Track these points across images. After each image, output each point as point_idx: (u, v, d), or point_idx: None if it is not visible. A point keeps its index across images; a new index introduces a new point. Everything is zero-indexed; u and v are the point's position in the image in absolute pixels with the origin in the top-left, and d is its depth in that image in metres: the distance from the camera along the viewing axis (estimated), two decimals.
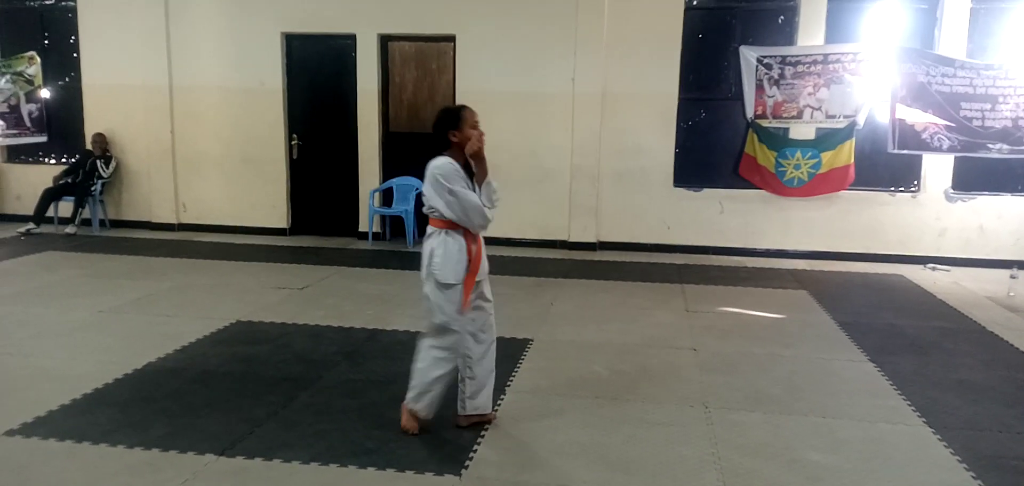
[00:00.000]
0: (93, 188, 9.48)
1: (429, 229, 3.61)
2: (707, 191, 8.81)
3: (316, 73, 9.37)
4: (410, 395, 3.69)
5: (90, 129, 9.71)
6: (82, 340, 5.15)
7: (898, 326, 5.90)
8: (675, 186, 8.84)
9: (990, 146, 8.02)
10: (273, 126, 9.33)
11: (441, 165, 3.48)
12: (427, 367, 3.63)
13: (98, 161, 9.52)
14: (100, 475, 3.27)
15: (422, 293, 3.61)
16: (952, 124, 8.02)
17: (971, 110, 8.01)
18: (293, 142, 9.45)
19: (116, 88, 9.57)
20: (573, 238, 8.96)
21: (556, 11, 8.60)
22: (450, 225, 3.52)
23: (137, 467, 3.34)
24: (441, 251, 3.50)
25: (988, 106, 7.98)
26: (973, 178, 8.39)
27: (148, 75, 9.39)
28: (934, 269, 8.22)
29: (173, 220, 9.72)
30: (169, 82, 9.41)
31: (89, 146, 9.61)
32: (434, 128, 3.58)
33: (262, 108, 9.30)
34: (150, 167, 9.66)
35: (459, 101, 8.81)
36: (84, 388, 4.20)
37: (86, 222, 9.58)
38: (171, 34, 9.33)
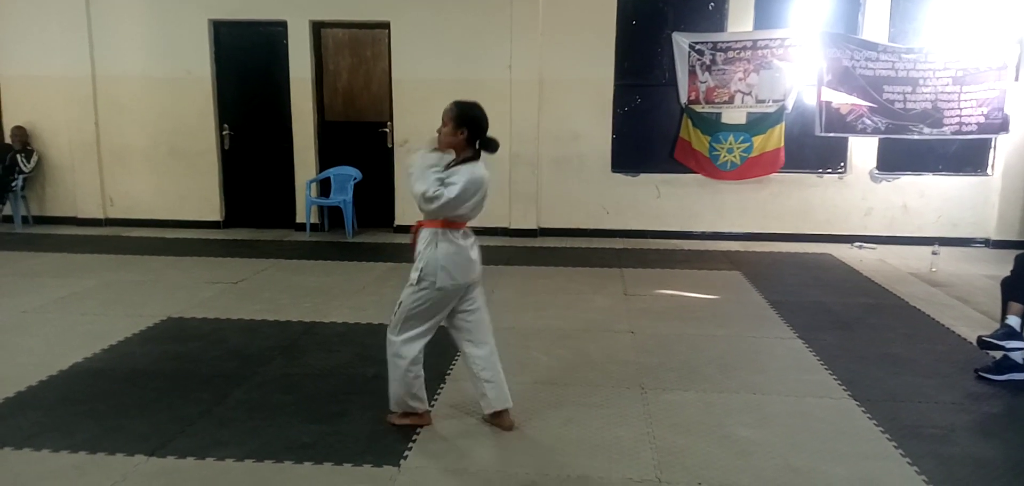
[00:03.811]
0: (14, 184, 9.09)
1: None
2: (644, 176, 8.93)
3: (246, 61, 9.14)
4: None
5: (9, 122, 9.29)
6: (3, 342, 4.95)
7: (826, 303, 6.11)
8: (613, 171, 8.93)
9: (912, 128, 8.33)
10: (203, 116, 9.08)
11: None
12: None
13: (18, 155, 9.12)
14: (23, 481, 3.16)
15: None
16: (876, 107, 8.30)
17: (893, 93, 8.30)
18: (224, 132, 9.21)
19: (35, 79, 9.16)
20: (514, 225, 8.98)
21: None
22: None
23: (63, 471, 3.24)
24: None
25: (909, 89, 8.28)
26: (897, 159, 8.70)
27: (69, 65, 9.02)
28: (860, 247, 8.52)
29: (100, 215, 9.38)
30: (92, 72, 9.06)
31: (8, 140, 9.21)
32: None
33: (191, 98, 9.04)
34: (74, 161, 9.30)
35: (395, 90, 8.83)
36: (5, 392, 4.03)
37: (7, 219, 9.20)
38: (92, 22, 8.97)
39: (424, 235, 3.47)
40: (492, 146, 3.54)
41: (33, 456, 3.36)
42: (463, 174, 3.38)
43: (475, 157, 3.48)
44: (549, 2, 8.60)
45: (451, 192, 3.34)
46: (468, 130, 3.44)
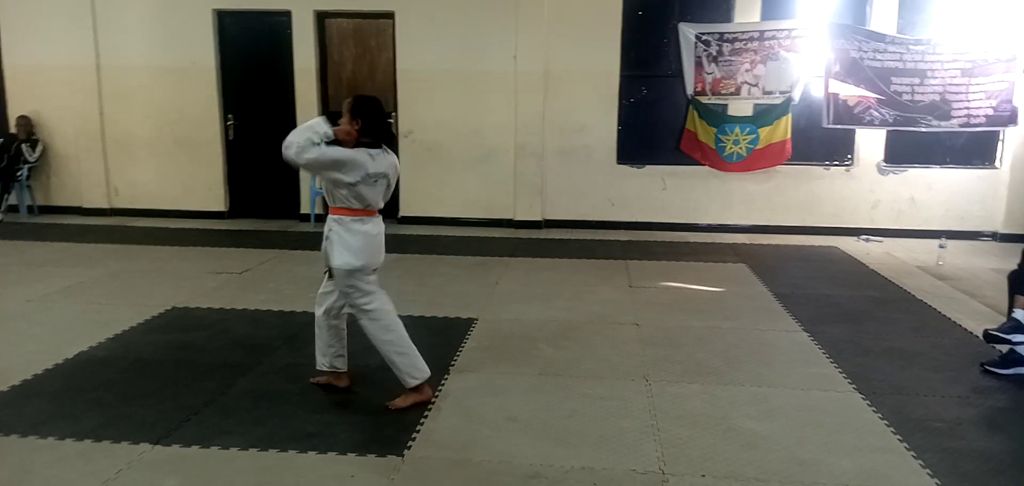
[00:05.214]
0: (19, 173, 9.11)
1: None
2: (650, 168, 8.90)
3: (251, 51, 9.13)
4: None
5: (13, 112, 9.30)
6: (9, 330, 4.96)
7: (832, 296, 6.08)
8: (618, 163, 8.91)
9: (920, 120, 8.28)
10: (207, 106, 9.08)
11: None
12: None
13: (23, 145, 9.14)
14: (28, 468, 3.16)
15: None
16: (883, 99, 8.25)
17: (901, 85, 8.25)
18: (229, 122, 9.21)
19: (40, 69, 9.17)
20: (519, 217, 8.96)
21: None
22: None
23: (68, 458, 3.24)
24: None
25: (917, 80, 8.23)
26: (904, 151, 8.65)
27: (74, 55, 9.02)
28: (867, 240, 8.48)
29: (105, 205, 9.39)
30: (96, 61, 9.07)
31: (13, 130, 9.22)
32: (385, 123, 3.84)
33: (195, 87, 9.04)
34: (79, 150, 9.31)
35: (400, 80, 8.81)
36: (11, 380, 4.04)
37: (13, 208, 9.21)
38: (97, 11, 8.97)
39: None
40: (387, 138, 3.85)
41: (39, 443, 3.37)
42: (345, 151, 3.60)
43: (372, 145, 3.69)
44: None
45: (314, 152, 3.53)
46: (362, 121, 3.69)
